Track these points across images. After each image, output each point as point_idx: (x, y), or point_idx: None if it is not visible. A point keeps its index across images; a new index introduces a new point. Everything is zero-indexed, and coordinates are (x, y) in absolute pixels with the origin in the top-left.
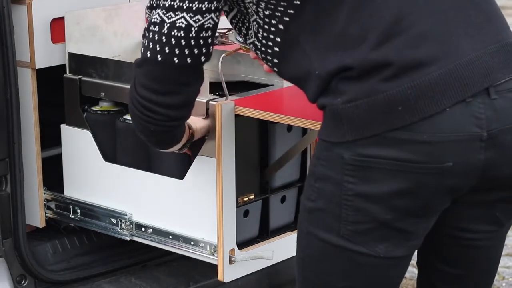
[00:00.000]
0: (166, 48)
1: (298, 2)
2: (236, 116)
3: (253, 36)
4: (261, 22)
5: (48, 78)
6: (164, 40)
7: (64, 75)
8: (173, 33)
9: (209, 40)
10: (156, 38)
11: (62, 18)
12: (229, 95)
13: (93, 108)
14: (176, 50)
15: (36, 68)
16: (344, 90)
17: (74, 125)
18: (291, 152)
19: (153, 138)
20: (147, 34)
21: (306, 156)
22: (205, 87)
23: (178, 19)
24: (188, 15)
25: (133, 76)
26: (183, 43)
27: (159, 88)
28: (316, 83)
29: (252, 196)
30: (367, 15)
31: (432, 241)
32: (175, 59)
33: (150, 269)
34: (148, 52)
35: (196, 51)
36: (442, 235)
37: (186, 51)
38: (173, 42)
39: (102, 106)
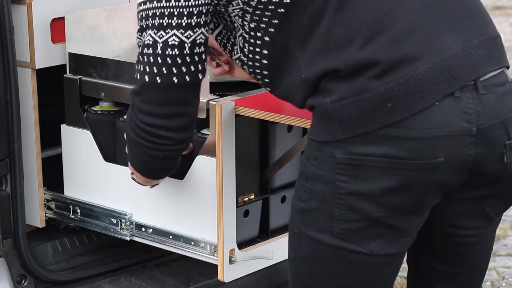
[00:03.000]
0: (164, 69)
1: (283, 10)
2: (236, 116)
3: (239, 52)
4: (247, 36)
5: (48, 78)
6: (160, 61)
7: (64, 75)
8: (167, 52)
9: (203, 56)
10: (152, 60)
11: (62, 18)
12: (229, 95)
13: (93, 108)
14: (174, 69)
15: (36, 68)
16: (333, 89)
17: (74, 125)
18: (291, 152)
19: (156, 167)
20: (141, 59)
21: None
22: (205, 87)
23: (170, 36)
24: (179, 31)
25: (131, 107)
26: (179, 61)
27: (162, 111)
28: (303, 87)
29: (252, 196)
30: (350, 16)
31: (423, 237)
32: (174, 78)
33: (150, 269)
34: (146, 77)
35: (192, 68)
36: (433, 232)
37: (184, 69)
38: (169, 62)
39: (102, 106)
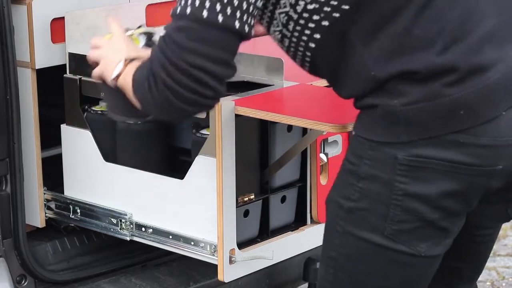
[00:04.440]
0: (228, 9)
1: (347, 7)
2: (236, 116)
3: (280, 26)
4: (295, 16)
5: (48, 78)
6: (225, 1)
7: (64, 75)
8: None
9: (253, 20)
10: None
11: (62, 18)
12: (229, 95)
13: (93, 108)
14: (238, 13)
15: (36, 68)
16: (404, 92)
17: (74, 125)
18: (291, 152)
19: (168, 113)
20: None
21: (306, 156)
22: None
23: None
24: None
25: (162, 45)
26: (244, 7)
27: (214, 54)
28: (369, 84)
29: (252, 196)
30: (432, 18)
31: None
32: (236, 23)
33: (150, 269)
34: (205, 12)
35: (249, 19)
36: (459, 232)
37: (244, 17)
38: (235, 4)
39: (102, 106)
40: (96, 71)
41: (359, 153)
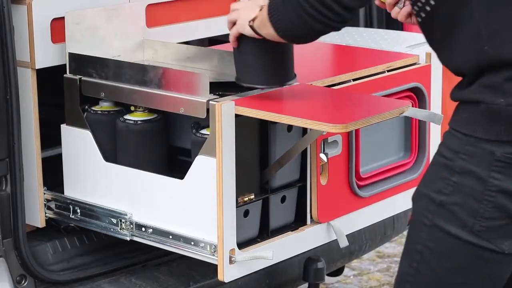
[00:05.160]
0: None
1: None
2: (236, 116)
3: None
4: None
5: (48, 78)
6: None
7: (64, 75)
8: None
9: None
10: None
11: (62, 18)
12: (229, 95)
13: (93, 108)
14: None
15: (36, 68)
16: (511, 92)
17: (74, 125)
18: (291, 152)
19: (299, 33)
20: None
21: (306, 156)
22: (205, 87)
23: None
24: None
25: None
26: None
27: None
28: (479, 59)
29: (252, 196)
30: None
31: None
32: None
33: (150, 269)
34: None
35: None
36: None
37: None
38: None
39: (102, 106)
40: (233, 30)
41: (455, 148)
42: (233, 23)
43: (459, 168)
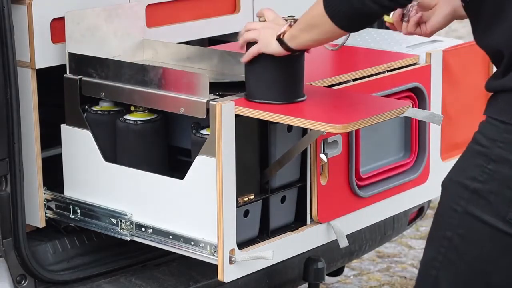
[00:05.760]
0: None
1: None
2: (236, 116)
3: None
4: None
5: (48, 78)
6: None
7: (64, 75)
8: None
9: None
10: None
11: (62, 18)
12: (229, 95)
13: (93, 108)
14: None
15: (36, 68)
16: None
17: (74, 125)
18: (291, 152)
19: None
20: None
21: (306, 156)
22: (205, 87)
23: None
24: None
25: None
26: None
27: None
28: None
29: (252, 196)
30: None
31: None
32: None
33: (150, 269)
34: None
35: None
36: None
37: None
38: None
39: (102, 106)
40: (253, 49)
41: (492, 136)
42: (249, 42)
43: (496, 156)
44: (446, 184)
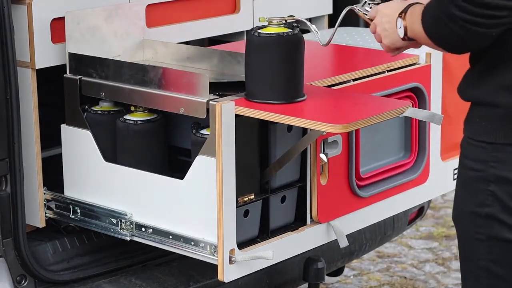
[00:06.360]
0: None
1: None
2: (236, 116)
3: None
4: None
5: (48, 78)
6: None
7: (64, 75)
8: None
9: None
10: None
11: (62, 18)
12: (229, 95)
13: (93, 108)
14: None
15: (36, 68)
16: None
17: (74, 125)
18: (291, 152)
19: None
20: None
21: (306, 156)
22: (205, 87)
23: None
24: None
25: None
26: None
27: None
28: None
29: (252, 196)
30: None
31: None
32: None
33: (150, 269)
34: None
35: None
36: None
37: None
38: None
39: (102, 106)
40: (384, 43)
41: (483, 158)
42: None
43: (492, 176)
44: (458, 218)
